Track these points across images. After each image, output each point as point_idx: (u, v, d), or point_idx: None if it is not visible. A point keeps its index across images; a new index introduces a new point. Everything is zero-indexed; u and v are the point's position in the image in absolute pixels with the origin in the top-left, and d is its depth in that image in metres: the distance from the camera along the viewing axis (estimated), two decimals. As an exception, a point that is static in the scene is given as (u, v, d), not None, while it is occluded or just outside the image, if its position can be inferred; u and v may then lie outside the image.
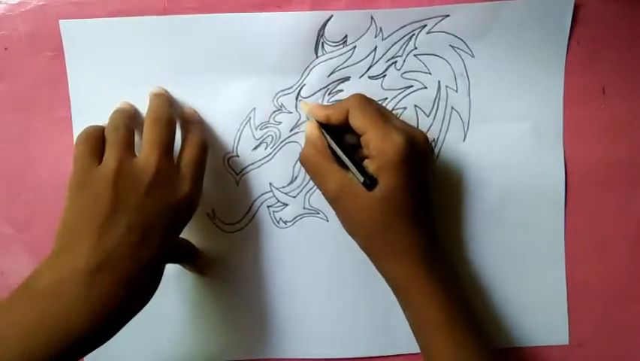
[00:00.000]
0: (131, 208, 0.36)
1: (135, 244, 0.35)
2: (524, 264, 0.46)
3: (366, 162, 0.39)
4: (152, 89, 0.43)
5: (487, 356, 0.39)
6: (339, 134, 0.40)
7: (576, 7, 0.44)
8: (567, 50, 0.45)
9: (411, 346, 0.43)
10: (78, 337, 0.34)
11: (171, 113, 0.41)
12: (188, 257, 0.44)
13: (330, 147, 0.40)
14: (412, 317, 0.40)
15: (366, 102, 0.40)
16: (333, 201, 0.40)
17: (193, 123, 0.43)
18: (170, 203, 0.37)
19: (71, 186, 0.37)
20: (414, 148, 0.38)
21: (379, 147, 0.37)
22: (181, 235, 0.40)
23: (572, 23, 0.44)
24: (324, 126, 0.41)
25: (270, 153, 0.45)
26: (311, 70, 0.44)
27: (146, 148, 0.38)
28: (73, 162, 0.38)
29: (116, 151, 0.37)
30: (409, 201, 0.38)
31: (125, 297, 0.35)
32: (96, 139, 0.38)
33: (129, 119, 0.40)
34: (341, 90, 0.44)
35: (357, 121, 0.39)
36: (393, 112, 0.44)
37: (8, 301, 0.34)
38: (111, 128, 0.39)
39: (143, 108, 0.41)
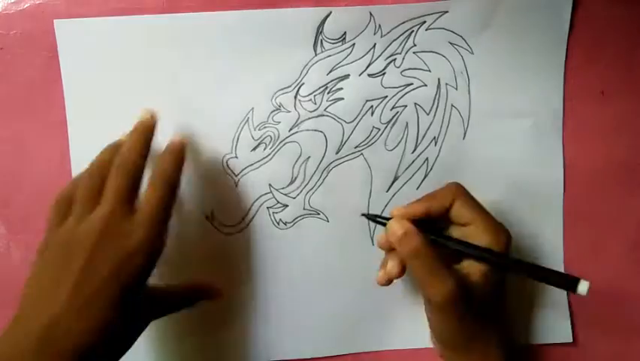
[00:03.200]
0: (76, 270, 0.33)
1: (81, 309, 0.32)
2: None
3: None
4: (142, 111, 0.40)
5: None
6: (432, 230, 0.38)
7: (576, 7, 0.44)
8: (567, 49, 0.45)
9: (409, 342, 0.45)
10: None
11: (140, 159, 0.37)
12: (181, 305, 0.40)
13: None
14: None
15: (467, 191, 0.39)
16: (440, 309, 0.36)
17: (168, 154, 0.38)
18: (120, 257, 0.34)
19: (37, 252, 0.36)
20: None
21: (490, 239, 0.37)
22: (178, 238, 0.39)
23: (572, 24, 0.45)
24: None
25: (269, 154, 0.45)
26: (310, 68, 0.44)
27: (102, 199, 0.35)
28: None
29: (74, 213, 0.36)
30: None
31: None
32: (64, 201, 0.37)
33: (104, 164, 0.37)
34: (340, 88, 0.44)
35: (466, 211, 0.37)
36: (393, 110, 0.44)
37: None
38: (80, 183, 0.37)
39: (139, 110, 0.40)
